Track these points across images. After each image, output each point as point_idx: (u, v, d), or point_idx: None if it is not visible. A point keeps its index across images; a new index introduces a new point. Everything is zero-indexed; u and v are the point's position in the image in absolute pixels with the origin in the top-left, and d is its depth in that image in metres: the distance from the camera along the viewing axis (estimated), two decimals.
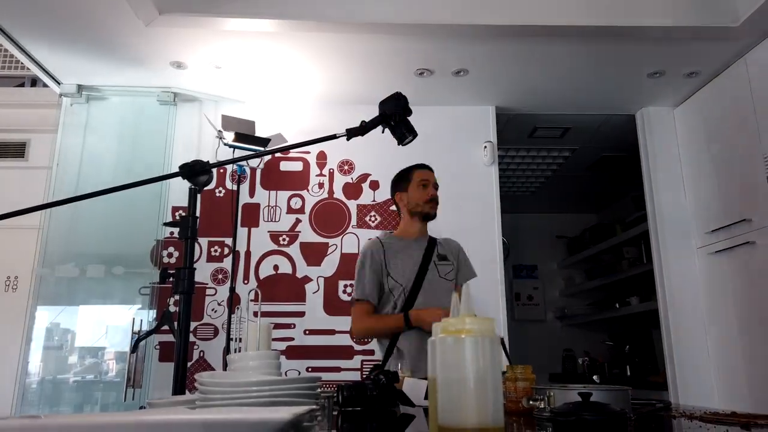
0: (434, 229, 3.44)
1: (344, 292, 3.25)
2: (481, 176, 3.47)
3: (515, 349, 3.40)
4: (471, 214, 3.40)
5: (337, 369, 3.15)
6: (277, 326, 3.19)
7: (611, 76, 3.19)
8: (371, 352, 3.16)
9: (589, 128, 3.91)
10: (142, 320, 3.02)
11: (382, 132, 1.68)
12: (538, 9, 2.67)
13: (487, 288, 3.27)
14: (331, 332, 3.20)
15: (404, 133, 1.67)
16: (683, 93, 3.41)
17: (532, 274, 5.75)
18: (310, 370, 3.13)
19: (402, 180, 2.29)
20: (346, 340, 3.18)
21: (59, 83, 3.28)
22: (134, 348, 2.87)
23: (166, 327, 2.16)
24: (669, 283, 3.35)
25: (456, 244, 2.34)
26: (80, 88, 3.32)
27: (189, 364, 3.04)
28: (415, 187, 2.23)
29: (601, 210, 5.79)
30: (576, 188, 5.15)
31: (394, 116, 1.64)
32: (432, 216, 2.24)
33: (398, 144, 1.71)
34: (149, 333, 2.52)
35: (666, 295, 3.34)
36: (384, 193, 3.39)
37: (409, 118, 1.67)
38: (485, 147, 3.48)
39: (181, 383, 1.54)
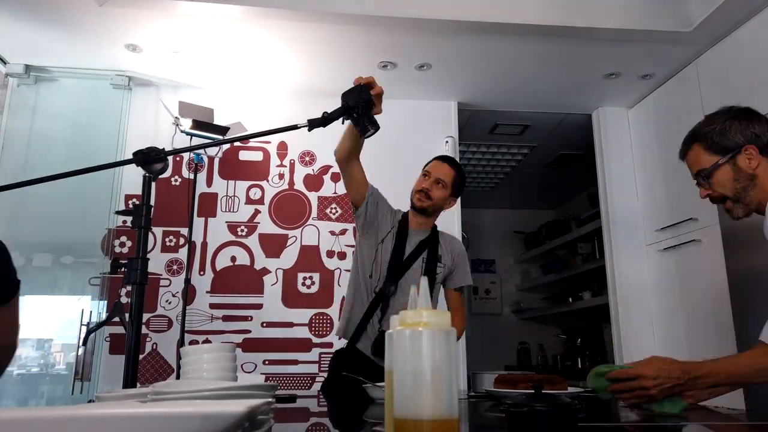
0: None
1: (303, 284, 3.23)
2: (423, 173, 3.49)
3: (472, 343, 3.46)
4: None
5: (295, 362, 3.13)
6: (234, 318, 3.14)
7: (570, 75, 3.26)
8: (329, 345, 3.15)
9: (547, 126, 3.99)
10: (91, 312, 2.92)
11: (342, 123, 1.67)
12: (502, 7, 2.70)
13: None
14: (289, 325, 3.17)
15: (367, 125, 1.66)
16: (637, 94, 3.52)
17: (490, 269, 5.85)
18: (266, 363, 3.10)
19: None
20: (304, 333, 3.17)
21: (5, 63, 3.12)
22: (84, 340, 2.78)
23: (117, 318, 2.10)
24: (619, 279, 3.46)
25: (459, 244, 2.23)
26: (28, 68, 3.17)
27: (141, 356, 2.96)
28: (420, 175, 2.17)
29: (557, 206, 5.93)
30: (534, 185, 5.26)
31: (357, 108, 1.63)
32: (419, 209, 2.11)
33: (360, 136, 1.71)
34: (99, 325, 2.44)
35: (616, 291, 3.46)
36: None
37: (371, 110, 1.66)
38: (447, 142, 3.51)
39: (133, 376, 1.50)
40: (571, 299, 4.86)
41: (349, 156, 1.95)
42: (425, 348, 0.59)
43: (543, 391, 0.86)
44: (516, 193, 5.49)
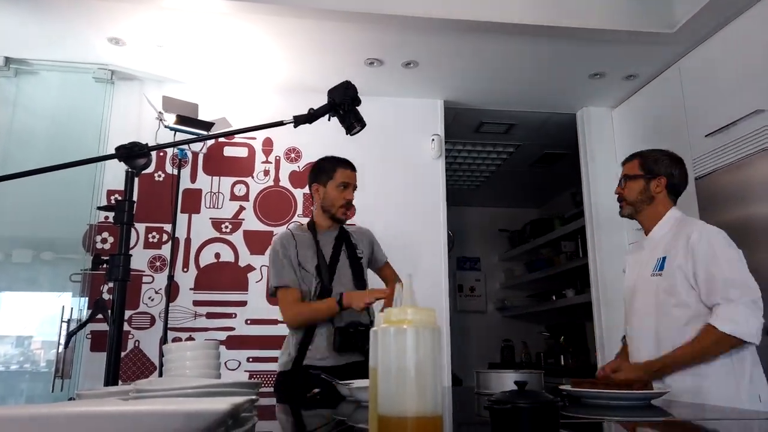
0: (382, 219, 3.45)
1: None
2: (428, 169, 3.50)
3: (457, 340, 3.48)
4: (417, 206, 3.44)
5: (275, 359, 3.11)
6: (218, 315, 3.12)
7: (555, 75, 3.28)
8: None
9: (532, 125, 4.02)
10: (72, 308, 2.88)
11: (329, 120, 1.66)
12: (489, 6, 2.71)
13: (432, 279, 3.32)
14: (274, 322, 3.16)
15: (353, 122, 1.66)
16: (621, 95, 3.56)
17: (474, 266, 5.88)
18: (250, 360, 3.08)
19: (323, 172, 2.13)
20: (288, 330, 3.15)
21: None
22: (67, 341, 2.74)
23: (99, 315, 2.08)
24: (602, 277, 3.50)
25: (366, 231, 2.26)
26: (8, 60, 3.11)
27: (123, 354, 2.93)
28: (334, 186, 2.09)
29: (542, 205, 5.98)
30: (519, 183, 5.30)
31: (343, 105, 1.63)
32: (342, 221, 2.14)
33: (347, 133, 1.70)
34: (82, 325, 2.41)
35: (599, 289, 3.49)
36: None
37: (358, 107, 1.66)
38: (433, 140, 3.51)
39: (114, 374, 1.49)
40: (554, 297, 4.90)
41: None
42: (410, 345, 0.59)
43: (526, 389, 0.86)
44: (501, 191, 5.52)
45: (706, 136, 2.79)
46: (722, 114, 2.71)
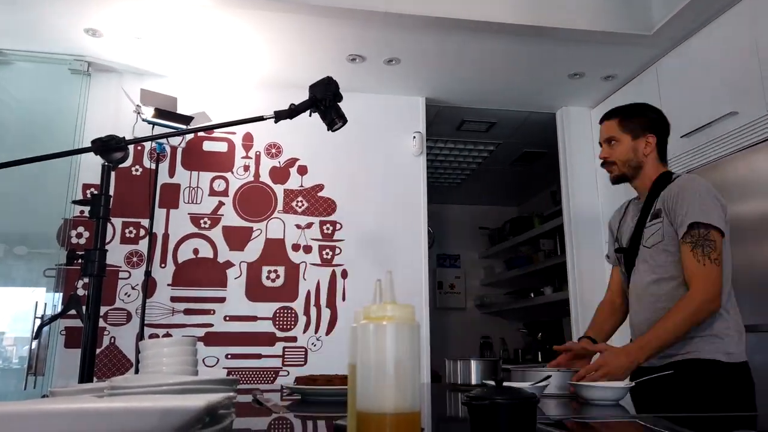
0: (362, 216, 3.45)
1: (268, 278, 3.19)
2: (410, 166, 3.51)
3: (436, 336, 3.50)
4: (398, 203, 3.44)
5: (258, 356, 3.10)
6: (196, 312, 3.09)
7: (535, 74, 3.31)
8: (293, 339, 3.13)
9: (513, 124, 4.05)
10: (46, 304, 2.83)
11: (310, 116, 1.65)
12: (471, 4, 2.72)
13: (412, 276, 3.33)
14: (253, 319, 3.14)
15: (334, 118, 1.65)
16: (600, 95, 3.60)
17: (454, 264, 5.91)
18: (229, 357, 3.06)
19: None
20: (268, 327, 3.14)
21: None
22: (37, 333, 2.69)
23: (73, 312, 2.04)
24: (579, 275, 3.55)
25: (674, 188, 1.67)
26: None
27: (98, 350, 2.89)
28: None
29: (521, 203, 6.03)
30: (499, 181, 5.34)
31: (324, 101, 1.62)
32: (614, 182, 1.82)
33: (328, 129, 1.70)
34: (54, 318, 2.37)
35: (576, 286, 3.54)
36: (312, 178, 3.36)
37: (339, 104, 1.66)
38: (414, 137, 3.52)
39: (89, 371, 1.46)
40: (532, 294, 4.96)
41: None
42: (389, 342, 0.60)
43: (504, 384, 0.87)
44: (481, 189, 5.55)
45: (682, 136, 2.84)
46: (698, 115, 2.76)
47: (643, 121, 1.75)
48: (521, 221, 5.33)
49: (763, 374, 2.28)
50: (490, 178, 5.22)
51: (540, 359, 4.70)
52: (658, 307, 1.63)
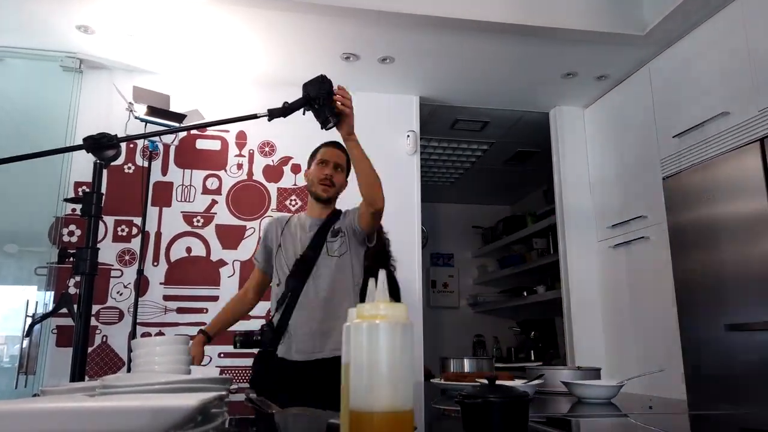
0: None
1: None
2: (404, 165, 3.51)
3: (430, 335, 3.51)
4: (392, 201, 3.39)
5: (251, 355, 3.09)
6: (189, 310, 3.08)
7: (529, 74, 3.32)
8: None
9: (506, 123, 4.06)
10: (37, 302, 2.81)
11: (303, 114, 1.65)
12: (465, 4, 2.72)
13: (405, 275, 3.33)
14: (246, 318, 3.12)
15: (328, 117, 1.65)
16: (593, 95, 3.62)
17: (448, 262, 5.92)
18: (222, 356, 3.05)
19: (311, 157, 2.13)
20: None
21: None
22: (28, 332, 2.67)
23: (64, 310, 2.02)
24: (572, 273, 3.57)
25: (351, 211, 2.07)
26: None
27: (90, 349, 2.87)
28: (315, 165, 2.06)
29: (514, 202, 6.05)
30: (492, 180, 5.35)
31: (318, 99, 1.62)
32: (323, 199, 2.04)
33: (322, 128, 1.69)
34: (45, 316, 2.36)
35: (569, 285, 3.56)
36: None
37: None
38: (408, 136, 3.52)
39: (80, 369, 1.45)
40: (525, 293, 4.97)
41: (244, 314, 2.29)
42: (382, 341, 0.60)
43: (497, 383, 0.87)
44: (475, 188, 5.56)
45: (674, 136, 2.86)
46: (690, 115, 2.78)
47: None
48: (514, 220, 5.35)
49: (750, 371, 2.31)
50: (483, 177, 5.23)
51: (533, 358, 4.72)
52: None
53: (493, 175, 5.17)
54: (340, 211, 2.11)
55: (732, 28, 2.56)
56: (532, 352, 4.80)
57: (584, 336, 3.47)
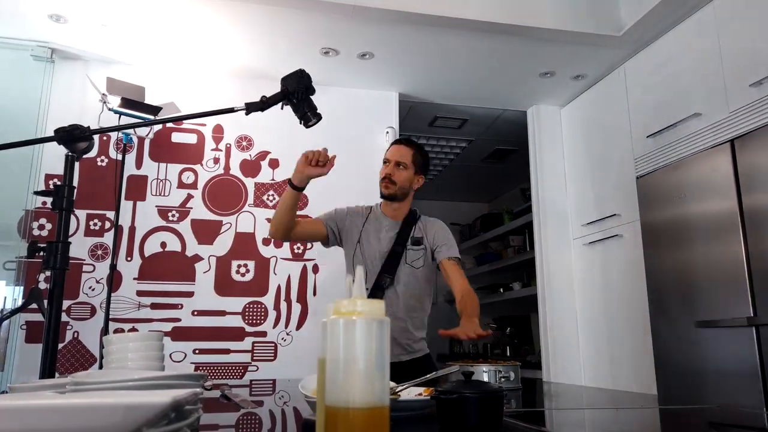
0: (334, 207, 3.43)
1: (237, 272, 3.16)
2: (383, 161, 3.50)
3: None
4: (371, 198, 3.42)
5: (227, 351, 3.07)
6: (163, 306, 3.04)
7: (507, 72, 3.35)
8: (263, 334, 3.11)
9: (485, 121, 4.09)
10: (6, 298, 2.74)
11: (282, 108, 1.64)
12: (446, 1, 2.73)
13: None
14: (222, 313, 3.10)
15: (307, 113, 1.64)
16: (570, 94, 3.66)
17: None
18: (197, 352, 3.02)
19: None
20: (236, 322, 3.10)
21: None
22: None
23: (34, 306, 1.98)
24: (548, 270, 3.61)
25: (436, 224, 2.21)
26: None
27: (61, 345, 2.81)
28: (383, 164, 2.19)
29: (492, 200, 6.10)
30: (471, 178, 5.38)
31: (297, 94, 1.60)
32: (386, 196, 2.16)
33: (300, 124, 1.68)
34: (14, 312, 2.30)
35: (544, 282, 3.60)
36: (284, 172, 3.33)
37: (312, 97, 1.64)
38: (387, 132, 3.52)
39: (51, 366, 1.42)
40: (502, 290, 5.02)
41: (288, 231, 1.99)
42: (359, 337, 0.60)
43: (473, 378, 0.88)
44: (453, 185, 5.59)
45: (648, 136, 2.91)
46: (663, 116, 2.83)
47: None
48: (492, 218, 5.39)
49: (719, 367, 2.37)
50: (462, 175, 5.26)
51: (509, 354, 4.77)
52: None
53: (471, 172, 5.20)
54: (415, 211, 2.23)
55: (705, 31, 2.61)
56: (507, 348, 4.85)
57: (559, 332, 3.52)
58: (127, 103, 2.83)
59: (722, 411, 1.35)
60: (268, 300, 3.17)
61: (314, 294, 3.23)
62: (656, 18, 2.75)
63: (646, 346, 2.77)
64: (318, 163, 1.83)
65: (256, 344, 3.10)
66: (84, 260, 2.98)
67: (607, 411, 1.23)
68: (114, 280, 2.90)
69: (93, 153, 3.09)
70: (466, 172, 5.20)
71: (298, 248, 3.27)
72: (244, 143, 3.33)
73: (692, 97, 2.66)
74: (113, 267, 2.86)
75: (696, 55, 2.66)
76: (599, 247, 3.33)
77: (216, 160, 3.28)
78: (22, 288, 2.82)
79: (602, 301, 3.29)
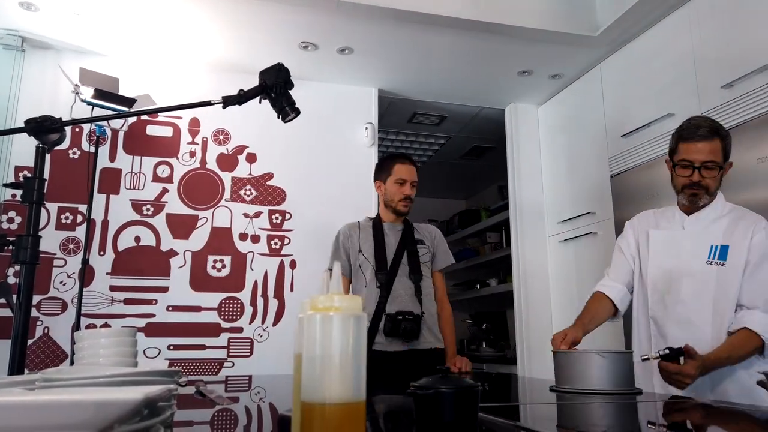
0: (313, 206, 3.42)
1: (213, 267, 3.13)
2: (361, 157, 3.50)
3: None
4: (349, 193, 3.43)
5: (202, 347, 3.04)
6: (137, 302, 2.99)
7: (486, 71, 3.37)
8: (239, 330, 3.08)
9: (463, 118, 4.11)
10: None
11: (260, 102, 1.62)
12: None
13: None
14: (197, 309, 3.07)
15: (285, 107, 1.63)
16: (547, 93, 3.70)
17: None
18: (171, 348, 2.98)
19: (383, 171, 2.36)
20: (212, 318, 3.07)
21: None
22: None
23: (3, 300, 1.93)
24: (524, 267, 3.65)
25: (433, 229, 2.47)
26: None
27: (30, 341, 2.75)
28: (392, 182, 2.32)
29: (470, 196, 6.14)
30: (449, 174, 5.41)
31: (275, 88, 1.59)
32: (404, 214, 2.36)
33: (278, 118, 1.67)
34: None
35: (520, 278, 3.64)
36: (261, 167, 3.30)
37: (291, 91, 1.63)
38: (366, 128, 3.51)
39: (20, 362, 1.39)
40: (478, 286, 5.06)
41: None
42: (335, 333, 0.59)
43: (449, 374, 0.89)
44: (431, 181, 5.60)
45: (622, 136, 2.96)
46: (637, 116, 2.88)
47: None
48: (469, 214, 5.42)
49: None
50: (440, 171, 5.28)
51: (484, 346, 4.82)
52: None
53: (449, 169, 5.23)
54: (408, 220, 2.42)
55: (679, 33, 2.66)
56: (483, 343, 4.90)
57: (534, 328, 3.57)
58: (100, 94, 2.77)
59: (693, 403, 1.38)
60: (244, 296, 3.14)
61: (291, 290, 3.22)
62: (632, 19, 2.79)
63: (620, 343, 2.82)
64: None
65: (232, 340, 3.07)
66: (55, 254, 2.92)
67: (579, 405, 1.25)
68: (86, 275, 2.84)
69: (65, 145, 3.02)
70: (445, 169, 5.23)
71: (276, 243, 3.25)
72: (221, 137, 3.29)
73: (665, 98, 2.71)
74: (85, 261, 2.81)
75: (670, 56, 2.71)
76: (574, 245, 3.38)
77: (192, 154, 3.23)
78: None
79: (577, 297, 3.34)
